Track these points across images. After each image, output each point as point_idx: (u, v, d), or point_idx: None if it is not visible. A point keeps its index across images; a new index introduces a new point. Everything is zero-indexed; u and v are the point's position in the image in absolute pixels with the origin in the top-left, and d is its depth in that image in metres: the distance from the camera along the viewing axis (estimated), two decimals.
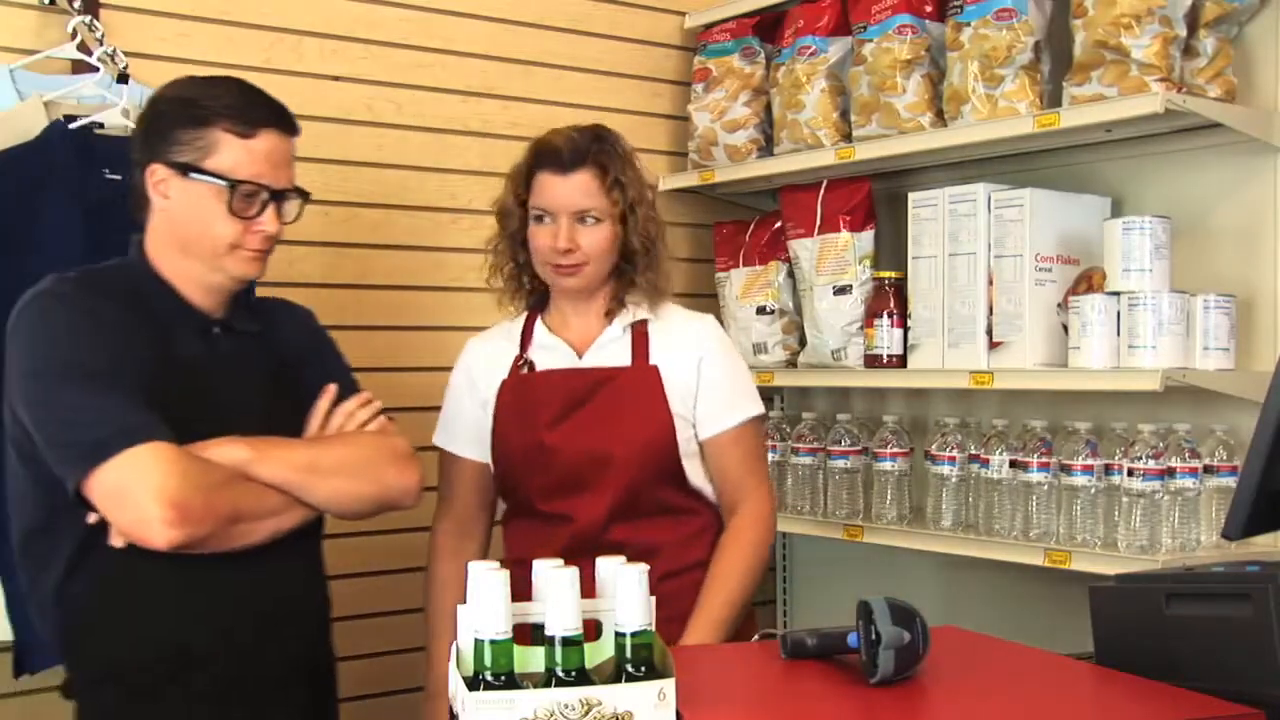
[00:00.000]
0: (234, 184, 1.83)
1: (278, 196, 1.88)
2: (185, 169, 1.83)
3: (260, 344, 1.97)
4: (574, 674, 1.25)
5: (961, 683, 1.54)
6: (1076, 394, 2.55)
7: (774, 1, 3.11)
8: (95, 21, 2.42)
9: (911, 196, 2.72)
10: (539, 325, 2.29)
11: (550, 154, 2.18)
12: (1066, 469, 2.41)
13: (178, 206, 1.86)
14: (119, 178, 2.36)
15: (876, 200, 2.96)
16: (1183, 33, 2.34)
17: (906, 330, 2.73)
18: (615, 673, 1.27)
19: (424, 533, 2.36)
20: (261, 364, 1.95)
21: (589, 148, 2.18)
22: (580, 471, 2.17)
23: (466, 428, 2.30)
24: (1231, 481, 2.28)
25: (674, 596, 2.10)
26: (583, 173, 2.17)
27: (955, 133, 2.64)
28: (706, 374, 2.22)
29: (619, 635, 1.27)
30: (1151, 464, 2.27)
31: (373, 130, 2.85)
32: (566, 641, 1.25)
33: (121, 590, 1.77)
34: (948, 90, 2.67)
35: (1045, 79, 2.58)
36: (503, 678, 1.24)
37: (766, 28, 3.15)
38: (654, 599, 1.30)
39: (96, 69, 2.40)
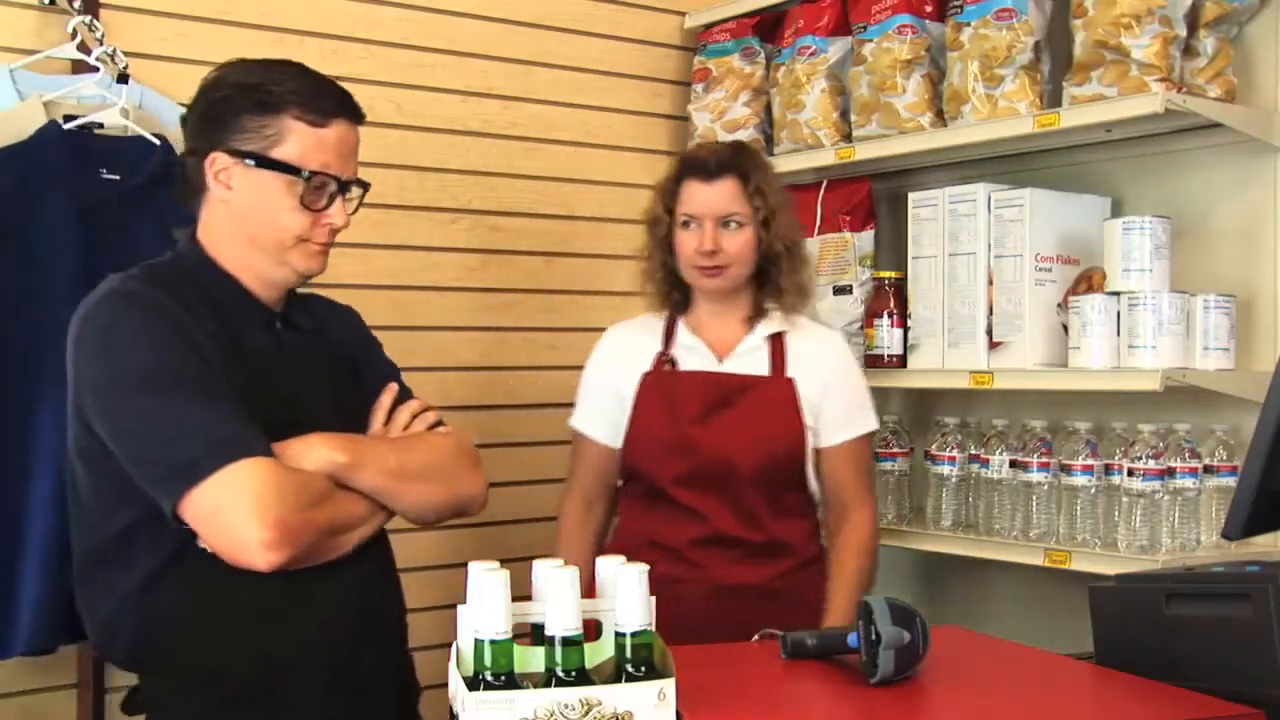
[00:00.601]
0: (306, 175, 1.76)
1: (344, 188, 1.82)
2: (252, 158, 1.75)
3: (318, 340, 1.92)
4: (574, 674, 1.25)
5: (961, 683, 1.54)
6: (1076, 394, 2.55)
7: (774, 1, 3.11)
8: (95, 21, 2.42)
9: (911, 196, 2.72)
10: (681, 325, 2.42)
11: (696, 164, 2.37)
12: (1066, 469, 2.41)
13: (241, 197, 1.78)
14: (117, 178, 2.36)
15: (876, 200, 2.96)
16: (1183, 33, 2.34)
17: (906, 330, 2.73)
18: (615, 673, 1.27)
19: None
20: (324, 360, 1.90)
21: (732, 158, 2.36)
22: (718, 469, 2.30)
23: (601, 413, 2.43)
24: (1231, 481, 2.27)
25: (797, 587, 2.33)
26: (726, 180, 2.33)
27: (955, 133, 2.64)
28: (833, 386, 2.37)
29: (619, 635, 1.27)
30: (1151, 464, 2.27)
31: (373, 130, 2.83)
32: (566, 641, 1.25)
33: (215, 599, 1.70)
34: (948, 90, 2.67)
35: (1045, 79, 2.58)
36: (503, 678, 1.24)
37: (766, 28, 3.15)
38: (653, 600, 1.30)
39: (96, 69, 2.39)
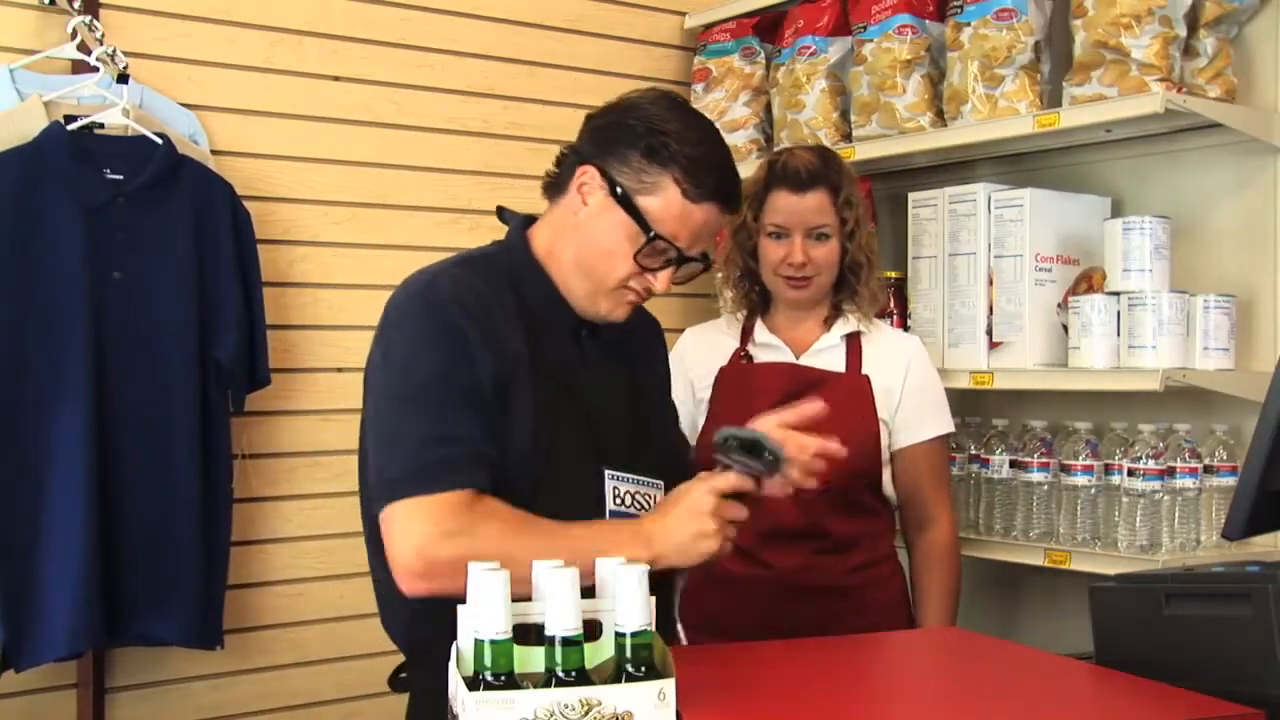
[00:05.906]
0: (652, 235, 1.74)
1: (682, 260, 1.80)
2: (617, 192, 1.75)
3: (621, 352, 1.89)
4: (574, 674, 1.25)
5: (962, 683, 1.54)
6: (1076, 394, 2.55)
7: (774, 1, 3.11)
8: (95, 21, 2.42)
9: (911, 196, 2.72)
10: (759, 325, 2.42)
11: (787, 173, 2.32)
12: (1066, 469, 2.41)
13: (589, 218, 1.78)
14: (121, 178, 2.37)
15: (876, 200, 2.96)
16: (1183, 33, 2.34)
17: (907, 330, 2.73)
18: (615, 673, 1.27)
19: None
20: (622, 375, 1.88)
21: (822, 168, 2.32)
22: None
23: (678, 414, 2.37)
24: (1231, 481, 2.27)
25: (864, 586, 2.28)
26: (818, 191, 2.30)
27: (955, 133, 2.64)
28: (910, 385, 2.35)
29: (619, 635, 1.27)
30: (1151, 464, 2.27)
31: (373, 130, 2.85)
32: (566, 641, 1.25)
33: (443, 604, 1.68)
34: (948, 90, 2.67)
35: (1045, 79, 2.58)
36: (503, 678, 1.24)
37: (766, 28, 3.15)
38: (652, 600, 1.30)
39: (96, 69, 2.40)
